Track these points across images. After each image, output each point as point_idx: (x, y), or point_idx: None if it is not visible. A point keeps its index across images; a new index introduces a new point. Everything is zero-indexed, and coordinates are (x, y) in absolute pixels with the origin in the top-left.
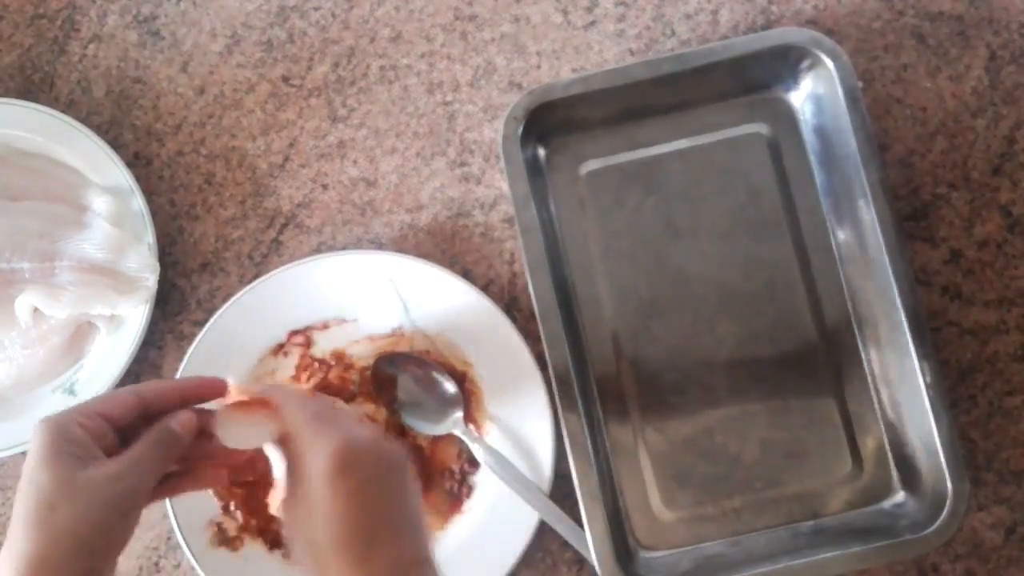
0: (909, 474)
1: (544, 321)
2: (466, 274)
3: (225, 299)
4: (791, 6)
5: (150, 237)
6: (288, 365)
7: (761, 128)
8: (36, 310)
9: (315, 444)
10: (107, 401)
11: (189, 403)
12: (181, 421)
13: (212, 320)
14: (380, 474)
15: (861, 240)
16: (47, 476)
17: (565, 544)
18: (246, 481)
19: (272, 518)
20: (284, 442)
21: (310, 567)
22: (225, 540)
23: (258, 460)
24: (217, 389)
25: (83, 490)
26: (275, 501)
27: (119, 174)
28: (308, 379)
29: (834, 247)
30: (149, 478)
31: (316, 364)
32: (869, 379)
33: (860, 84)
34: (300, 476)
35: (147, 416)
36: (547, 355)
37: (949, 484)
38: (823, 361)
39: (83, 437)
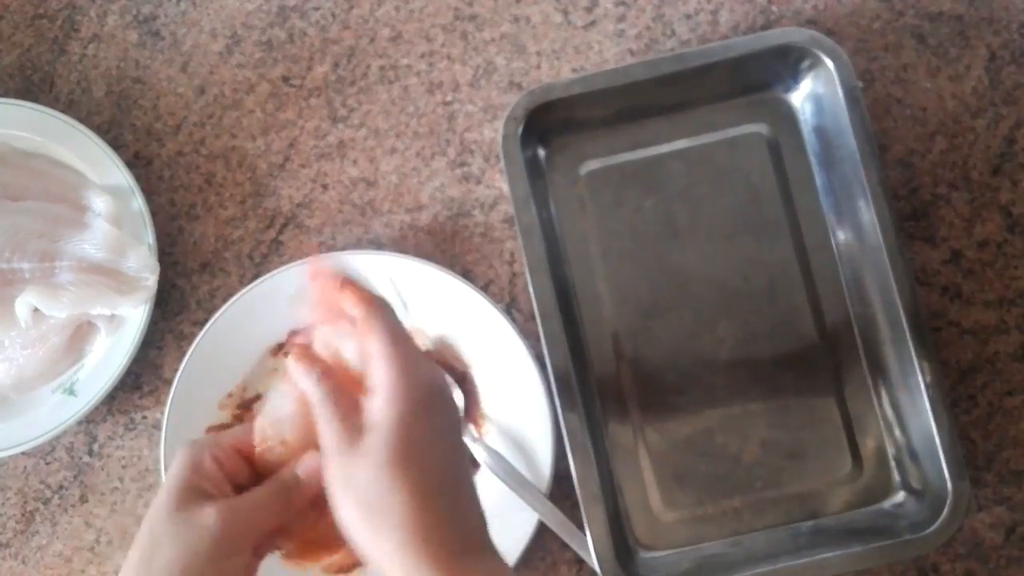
0: (909, 474)
1: (544, 321)
2: (466, 274)
3: (225, 299)
4: (791, 6)
5: (150, 237)
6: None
7: (761, 128)
8: (36, 310)
9: (400, 380)
10: (242, 437)
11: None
12: (306, 468)
13: (212, 320)
14: (451, 421)
15: (861, 240)
16: (162, 511)
17: (565, 544)
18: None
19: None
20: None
21: (360, 511)
22: None
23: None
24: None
25: (193, 528)
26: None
27: (119, 174)
28: None
29: (834, 247)
30: (264, 523)
31: None
32: (869, 379)
33: (860, 84)
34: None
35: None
36: (547, 355)
37: (949, 484)
38: (823, 361)
39: (214, 472)
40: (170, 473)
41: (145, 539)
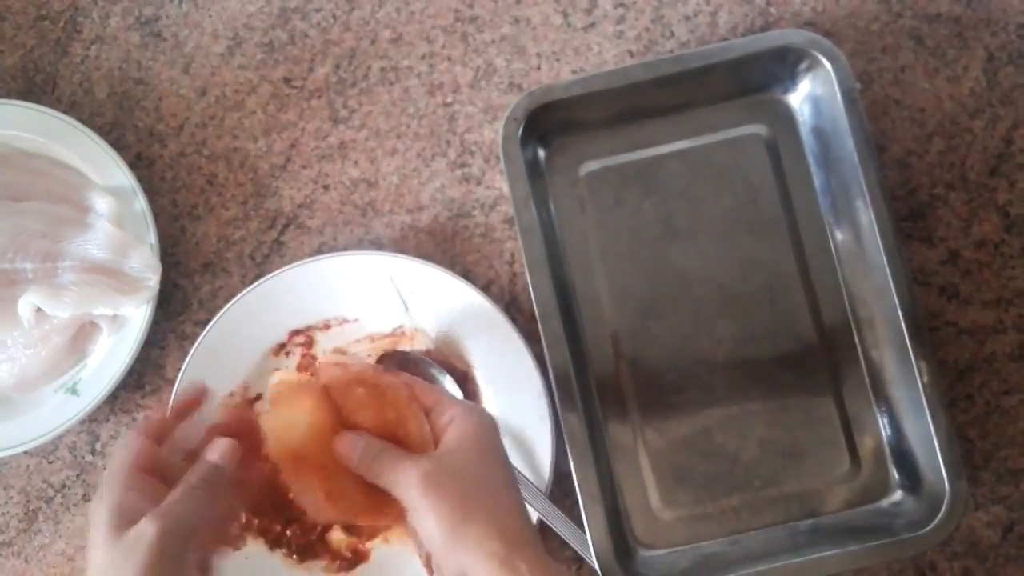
0: (907, 473)
1: (544, 321)
2: (466, 274)
3: (227, 299)
4: (789, 8)
5: (152, 237)
6: (290, 365)
7: (760, 129)
8: (39, 310)
9: (466, 411)
10: (131, 455)
11: (182, 419)
12: (222, 452)
13: (214, 320)
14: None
15: (859, 240)
16: (99, 546)
17: (565, 543)
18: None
19: (274, 518)
20: (400, 423)
21: (442, 532)
22: None
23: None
24: (198, 397)
25: (134, 547)
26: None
27: (121, 175)
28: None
29: (832, 247)
30: (198, 514)
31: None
32: (867, 378)
33: (858, 85)
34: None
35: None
36: (547, 355)
37: (947, 483)
38: (821, 361)
39: (133, 499)
40: (94, 508)
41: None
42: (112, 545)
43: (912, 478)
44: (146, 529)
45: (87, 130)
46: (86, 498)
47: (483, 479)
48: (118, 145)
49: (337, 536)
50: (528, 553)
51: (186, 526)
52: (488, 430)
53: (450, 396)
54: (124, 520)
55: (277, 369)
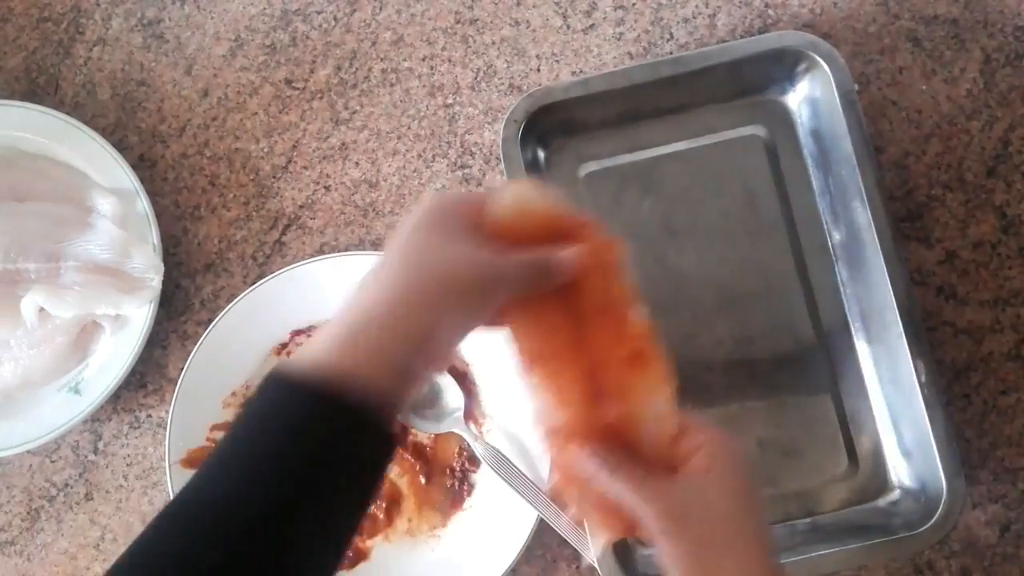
0: (904, 472)
1: None
2: None
3: (229, 299)
4: (788, 10)
5: (154, 238)
6: None
7: (758, 130)
8: (42, 310)
9: (724, 438)
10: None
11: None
12: (567, 257)
13: (216, 320)
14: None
15: (857, 241)
16: (416, 236)
17: (565, 541)
18: None
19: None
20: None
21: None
22: None
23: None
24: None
25: (454, 248)
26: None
27: (124, 176)
28: None
29: (830, 248)
30: (512, 284)
31: None
32: (865, 378)
33: (856, 87)
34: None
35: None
36: None
37: (944, 482)
38: (819, 361)
39: (463, 216)
40: (421, 209)
41: (405, 241)
42: (433, 234)
43: (910, 477)
44: (465, 248)
45: (90, 131)
46: (88, 497)
47: (734, 525)
48: (120, 146)
49: None
50: None
51: (501, 277)
52: (744, 467)
53: (694, 418)
54: (443, 225)
55: None
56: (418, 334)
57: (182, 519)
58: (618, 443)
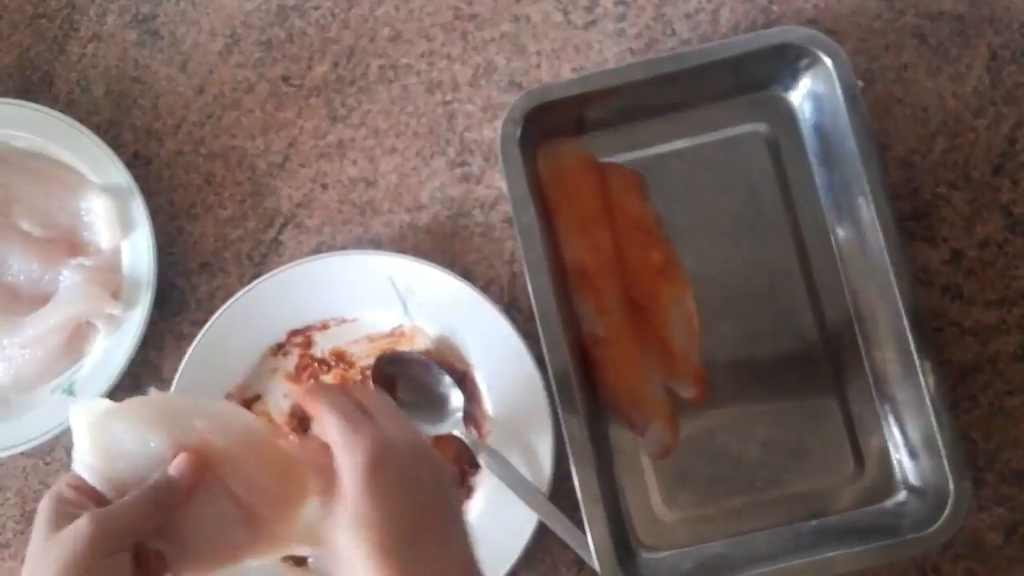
0: (911, 474)
1: (544, 321)
2: (466, 274)
3: (225, 299)
4: (792, 5)
5: (149, 237)
6: (288, 365)
7: (760, 127)
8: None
9: (347, 442)
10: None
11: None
12: (178, 466)
13: (211, 320)
14: (418, 477)
15: (861, 239)
16: (38, 544)
17: (566, 545)
18: None
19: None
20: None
21: None
22: None
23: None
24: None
25: (67, 539)
26: (309, 509)
27: (118, 174)
28: (308, 379)
29: (834, 246)
30: (137, 522)
31: (316, 364)
32: (870, 379)
33: (860, 83)
34: (334, 481)
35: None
36: (547, 355)
37: (951, 484)
38: (824, 361)
39: (73, 496)
40: (37, 519)
41: (26, 570)
42: (48, 543)
43: (916, 479)
44: (83, 523)
45: (84, 129)
46: None
47: (406, 522)
48: (115, 144)
49: None
50: None
51: (124, 529)
52: (381, 457)
53: (330, 421)
54: (66, 517)
55: (275, 370)
56: None
57: None
58: (652, 343)
